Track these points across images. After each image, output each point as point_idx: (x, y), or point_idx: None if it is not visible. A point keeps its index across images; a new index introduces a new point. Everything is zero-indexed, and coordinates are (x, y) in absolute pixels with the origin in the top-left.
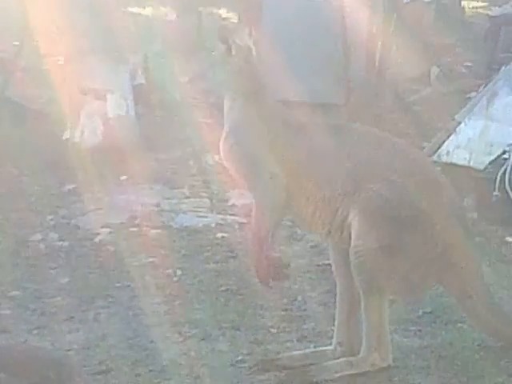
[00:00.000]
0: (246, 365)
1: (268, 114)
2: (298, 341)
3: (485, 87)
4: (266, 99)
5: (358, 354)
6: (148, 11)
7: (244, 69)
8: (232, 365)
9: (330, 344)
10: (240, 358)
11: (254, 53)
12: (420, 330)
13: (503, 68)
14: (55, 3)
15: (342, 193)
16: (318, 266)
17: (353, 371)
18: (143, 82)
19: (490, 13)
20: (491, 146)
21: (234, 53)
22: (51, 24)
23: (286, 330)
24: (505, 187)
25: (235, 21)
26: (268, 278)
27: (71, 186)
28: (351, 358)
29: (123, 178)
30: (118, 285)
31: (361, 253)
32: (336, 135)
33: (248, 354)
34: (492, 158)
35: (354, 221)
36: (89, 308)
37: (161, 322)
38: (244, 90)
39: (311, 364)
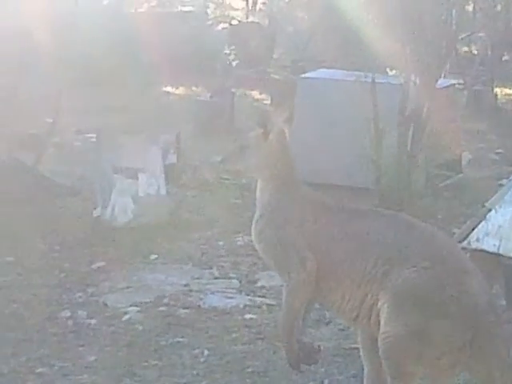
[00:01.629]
0: None
1: (299, 198)
2: None
3: None
4: (298, 184)
5: None
6: (181, 91)
7: (278, 153)
8: None
9: None
10: None
11: (287, 137)
12: None
13: None
14: (88, 81)
15: (371, 278)
16: (346, 349)
17: None
18: (175, 161)
19: None
20: None
21: (270, 137)
22: (84, 101)
23: None
24: None
25: (268, 102)
26: (299, 362)
27: (101, 264)
28: None
29: (153, 257)
30: (144, 364)
31: (390, 339)
32: (366, 220)
33: None
34: None
35: (383, 307)
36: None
37: None
38: (277, 174)
39: None
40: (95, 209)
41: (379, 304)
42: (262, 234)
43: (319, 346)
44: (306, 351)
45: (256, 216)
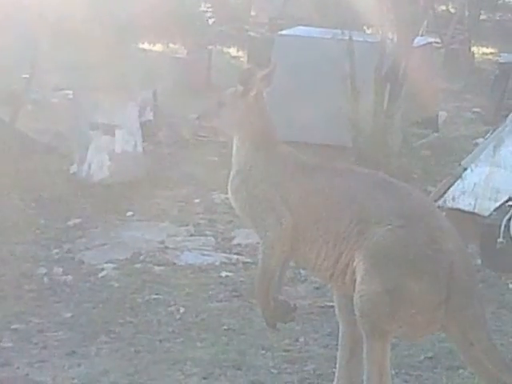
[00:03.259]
0: None
1: (275, 156)
2: (298, 382)
3: (492, 133)
4: (274, 142)
5: None
6: (158, 48)
7: (256, 112)
8: None
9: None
10: None
11: (264, 96)
12: (421, 375)
13: (511, 115)
14: (65, 38)
15: (346, 236)
16: (321, 307)
17: None
18: (151, 118)
19: (499, 59)
20: (497, 192)
21: (250, 95)
22: (61, 58)
23: (287, 371)
24: (509, 234)
25: (244, 60)
26: (275, 320)
27: (77, 221)
28: None
29: (129, 214)
30: (120, 321)
31: (365, 297)
32: (342, 178)
33: None
34: (497, 204)
35: (359, 265)
36: (91, 343)
37: (162, 359)
38: (253, 132)
39: None
40: (72, 165)
41: (354, 263)
42: (238, 191)
43: (295, 304)
44: (282, 309)
45: (232, 173)
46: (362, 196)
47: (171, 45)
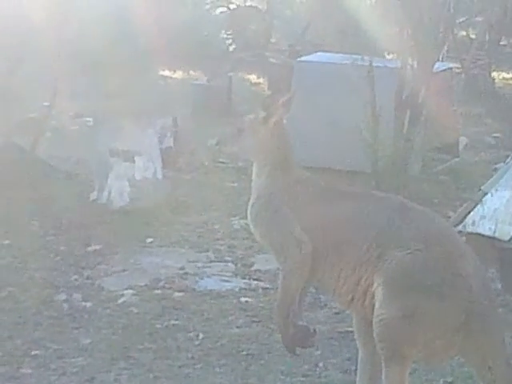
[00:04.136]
0: None
1: (294, 181)
2: None
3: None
4: (294, 167)
5: None
6: (178, 74)
7: (276, 138)
8: None
9: None
10: None
11: (284, 122)
12: None
13: None
14: (85, 65)
15: (366, 260)
16: (340, 332)
17: None
18: (171, 145)
19: None
20: None
21: (270, 122)
22: (81, 85)
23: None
24: None
25: (264, 86)
26: (294, 345)
27: (97, 247)
28: None
29: (149, 240)
30: (140, 347)
31: (384, 321)
32: (360, 202)
33: None
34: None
35: (378, 289)
36: (110, 369)
37: None
38: (273, 157)
39: None
40: (92, 192)
41: (374, 287)
42: (258, 217)
43: (314, 329)
44: (302, 334)
45: (252, 199)
46: (381, 220)
47: (191, 72)
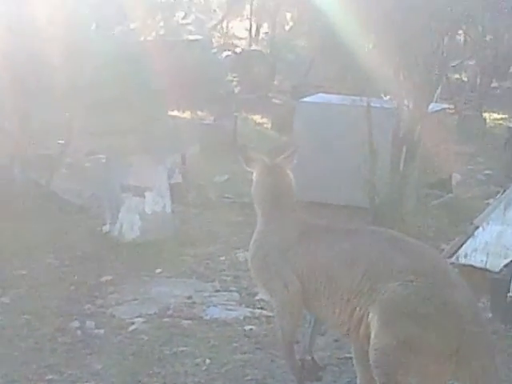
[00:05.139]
0: None
1: (287, 223)
2: None
3: (502, 194)
4: (290, 211)
5: None
6: (187, 115)
7: (275, 187)
8: None
9: None
10: None
11: (289, 171)
12: None
13: None
14: (99, 104)
15: (359, 292)
16: (340, 359)
17: None
18: (180, 180)
19: (509, 124)
20: (507, 249)
21: (268, 175)
22: (94, 124)
23: None
24: None
25: (268, 126)
26: (302, 379)
27: (108, 278)
28: None
29: (158, 270)
30: (149, 372)
31: (379, 350)
32: (353, 237)
33: None
34: (507, 261)
35: (373, 319)
36: None
37: None
38: (270, 205)
39: None
40: (104, 225)
41: (369, 317)
42: (254, 258)
43: (324, 365)
44: (310, 369)
45: (251, 241)
46: (373, 253)
47: (199, 112)
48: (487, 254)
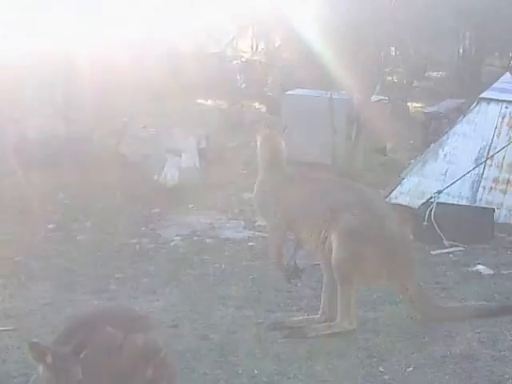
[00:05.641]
0: (264, 325)
1: (278, 175)
2: (297, 311)
3: (419, 156)
4: (281, 166)
5: (335, 320)
6: (209, 102)
7: (270, 152)
8: (255, 325)
9: (317, 313)
10: (260, 321)
11: (280, 139)
12: (374, 308)
13: (432, 145)
14: (150, 94)
15: (324, 221)
16: (312, 265)
17: (330, 331)
18: (205, 146)
19: (424, 111)
20: (423, 193)
21: (263, 144)
22: (149, 108)
23: (289, 304)
24: (431, 220)
25: (264, 110)
26: (289, 277)
27: (157, 210)
28: (330, 323)
29: (190, 206)
30: (184, 272)
31: (337, 260)
32: (321, 183)
33: (265, 319)
34: (423, 201)
35: (334, 240)
36: (165, 286)
37: (209, 297)
38: (267, 163)
39: (305, 326)
40: (154, 175)
41: (331, 238)
42: (255, 197)
43: (303, 268)
44: (293, 270)
45: (255, 186)
46: (334, 193)
47: (218, 100)
48: (410, 196)
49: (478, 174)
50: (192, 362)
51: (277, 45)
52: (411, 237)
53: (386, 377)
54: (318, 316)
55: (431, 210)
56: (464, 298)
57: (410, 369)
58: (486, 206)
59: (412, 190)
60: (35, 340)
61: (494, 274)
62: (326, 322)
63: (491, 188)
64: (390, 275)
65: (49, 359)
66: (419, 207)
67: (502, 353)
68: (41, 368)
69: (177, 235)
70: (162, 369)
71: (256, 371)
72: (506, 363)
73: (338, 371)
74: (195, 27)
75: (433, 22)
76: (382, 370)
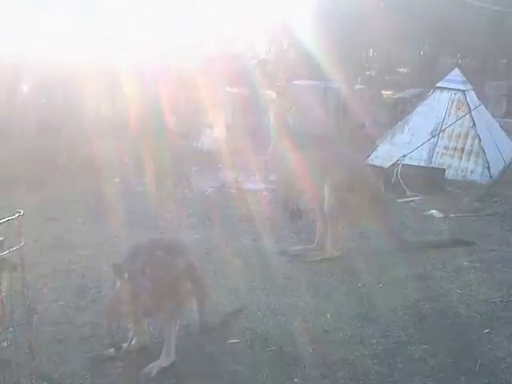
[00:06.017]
0: (274, 252)
1: (284, 144)
2: (298, 243)
3: (390, 130)
4: (287, 136)
5: (326, 249)
6: (235, 90)
7: (281, 127)
8: (267, 252)
9: (313, 244)
10: (271, 249)
11: (288, 117)
12: (355, 241)
13: (399, 122)
14: (190, 89)
15: (320, 177)
16: (311, 209)
17: (322, 257)
18: (231, 121)
19: (394, 96)
20: (392, 157)
21: (273, 115)
22: (190, 93)
23: (293, 238)
24: (397, 177)
25: (274, 96)
26: (292, 217)
27: (195, 168)
28: (323, 251)
29: (220, 165)
30: (215, 214)
31: (329, 206)
32: (315, 150)
33: (275, 248)
34: (391, 163)
35: (326, 191)
36: (202, 225)
37: (229, 231)
38: (278, 133)
39: (304, 253)
40: (193, 143)
41: (324, 189)
42: (270, 158)
43: (304, 211)
44: (296, 212)
45: (269, 149)
46: (327, 157)
47: (242, 88)
48: (382, 159)
49: (433, 143)
50: (220, 279)
51: (285, 47)
52: (383, 189)
53: (363, 290)
54: (314, 246)
55: (398, 169)
56: (422, 234)
57: (381, 285)
58: (438, 166)
59: (384, 154)
60: (114, 262)
61: (444, 217)
62: (318, 250)
63: (442, 153)
64: (369, 216)
65: (125, 275)
66: (389, 167)
67: (450, 273)
68: (119, 282)
69: (210, 187)
70: (198, 283)
71: (268, 286)
72: (451, 281)
73: (328, 286)
74: (225, 34)
75: (400, 30)
76: (359, 285)
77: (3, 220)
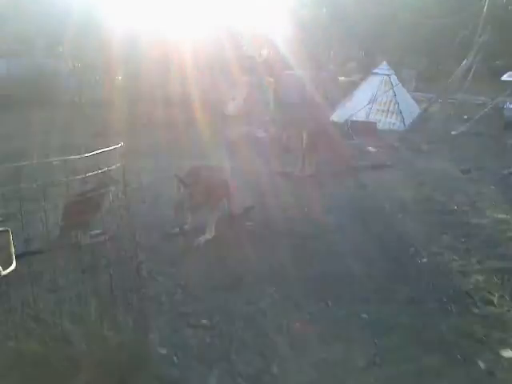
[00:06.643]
0: (270, 171)
1: (279, 108)
2: (287, 164)
3: (343, 101)
4: (281, 110)
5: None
6: (246, 77)
7: (277, 100)
8: (269, 171)
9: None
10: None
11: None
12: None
13: (349, 95)
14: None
15: (301, 128)
16: (298, 147)
17: (304, 174)
18: (245, 94)
19: (346, 80)
20: (345, 115)
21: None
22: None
23: (284, 163)
24: (348, 127)
25: (273, 80)
26: (285, 150)
27: (226, 126)
28: (306, 172)
29: (239, 123)
30: (239, 149)
31: (306, 146)
32: (299, 110)
33: (270, 169)
34: (344, 119)
35: (304, 137)
36: (230, 157)
37: None
38: (275, 100)
39: (293, 171)
40: (223, 110)
41: (303, 136)
42: (272, 121)
43: (292, 148)
44: (287, 147)
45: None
46: (305, 116)
47: (251, 77)
48: (339, 117)
49: (369, 108)
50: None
51: (278, 50)
52: (339, 135)
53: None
54: (299, 168)
55: (348, 123)
56: (361, 161)
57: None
58: (373, 121)
59: (340, 114)
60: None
61: (376, 151)
62: (302, 171)
63: (375, 113)
64: (331, 151)
65: (186, 183)
66: (343, 122)
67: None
68: (181, 187)
69: (233, 136)
70: (227, 190)
71: (270, 191)
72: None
73: (308, 188)
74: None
75: (347, 38)
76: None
77: (110, 148)
